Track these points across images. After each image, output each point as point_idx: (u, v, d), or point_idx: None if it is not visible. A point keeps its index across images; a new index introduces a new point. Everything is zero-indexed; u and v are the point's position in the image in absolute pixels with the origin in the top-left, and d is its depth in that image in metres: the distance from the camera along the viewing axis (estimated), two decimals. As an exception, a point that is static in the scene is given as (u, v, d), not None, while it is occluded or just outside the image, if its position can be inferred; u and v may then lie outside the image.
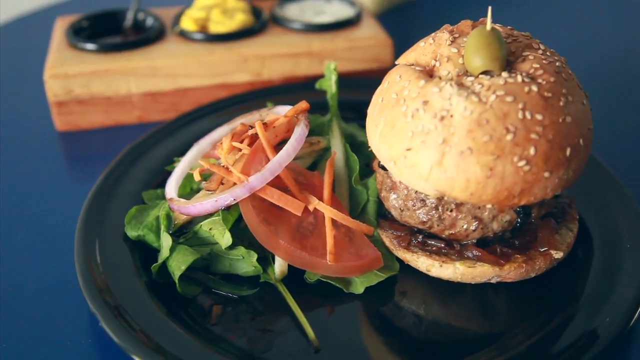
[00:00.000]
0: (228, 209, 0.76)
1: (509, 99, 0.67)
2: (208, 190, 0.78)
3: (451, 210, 0.73)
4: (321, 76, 1.10)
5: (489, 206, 0.70)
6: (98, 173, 0.99)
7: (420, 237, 0.76)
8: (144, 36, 1.10)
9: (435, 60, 0.74)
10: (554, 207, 0.79)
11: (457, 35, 0.75)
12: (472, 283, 0.76)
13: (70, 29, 1.12)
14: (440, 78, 0.71)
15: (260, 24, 1.13)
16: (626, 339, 0.71)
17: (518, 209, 0.72)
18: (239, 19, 1.13)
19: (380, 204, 0.82)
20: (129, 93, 1.07)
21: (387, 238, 0.79)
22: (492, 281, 0.76)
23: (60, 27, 1.15)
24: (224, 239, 0.74)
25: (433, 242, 0.76)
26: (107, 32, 1.16)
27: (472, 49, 0.70)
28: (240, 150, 0.79)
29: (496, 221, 0.73)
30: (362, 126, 0.95)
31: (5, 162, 1.02)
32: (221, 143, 0.81)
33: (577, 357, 0.66)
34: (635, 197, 0.83)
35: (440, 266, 0.75)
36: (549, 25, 1.41)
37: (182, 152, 0.93)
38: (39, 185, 0.98)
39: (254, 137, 0.80)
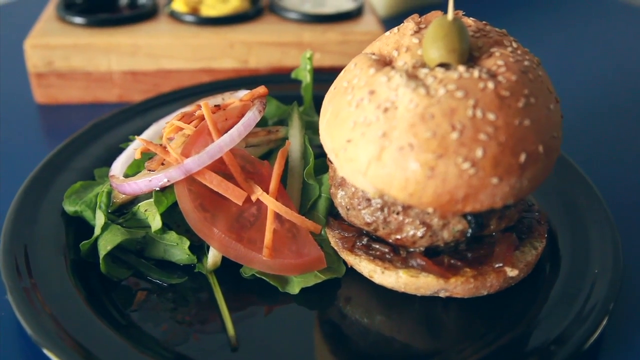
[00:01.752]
0: (163, 190, 0.72)
1: (459, 94, 0.61)
2: (149, 170, 0.74)
3: (397, 213, 0.67)
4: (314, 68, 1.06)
5: (430, 210, 0.64)
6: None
7: (366, 239, 0.71)
8: (133, 14, 1.07)
9: (396, 51, 0.68)
10: (520, 222, 0.72)
11: (422, 26, 0.69)
12: (419, 295, 0.70)
13: (62, 2, 1.10)
14: (393, 68, 0.65)
15: (255, 10, 1.09)
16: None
17: (469, 218, 0.66)
18: (232, 4, 1.09)
19: (332, 201, 0.76)
20: (109, 70, 1.04)
21: (334, 238, 0.73)
22: (440, 295, 0.69)
23: (54, 1, 1.13)
24: (155, 221, 0.70)
25: (377, 247, 0.70)
26: (101, 9, 1.13)
27: (430, 38, 0.64)
28: (180, 129, 0.75)
29: (447, 230, 0.67)
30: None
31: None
32: (168, 122, 0.77)
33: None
34: (616, 218, 0.76)
35: (382, 272, 0.69)
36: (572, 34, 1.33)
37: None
38: (15, 157, 0.95)
39: (203, 119, 0.75)
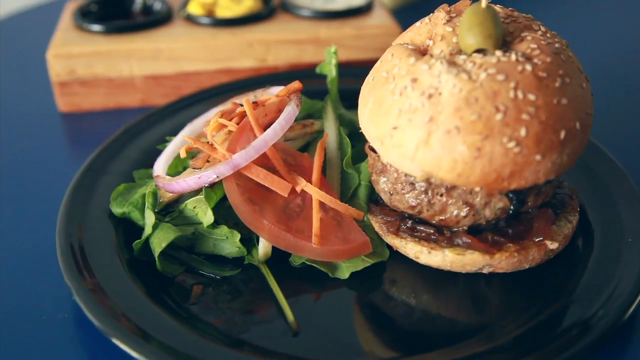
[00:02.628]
0: (212, 186, 0.74)
1: (500, 77, 0.64)
2: (194, 168, 0.76)
3: (441, 195, 0.70)
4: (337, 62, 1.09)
5: (477, 189, 0.67)
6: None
7: (410, 222, 0.74)
8: (150, 19, 1.09)
9: (430, 40, 0.71)
10: (554, 198, 0.76)
11: (454, 15, 0.72)
12: (464, 272, 0.73)
13: (78, 11, 1.12)
14: (431, 55, 0.68)
15: (268, 10, 1.12)
16: (621, 333, 0.68)
17: (511, 195, 0.69)
18: (246, 5, 1.11)
19: (371, 188, 0.79)
20: (131, 75, 1.06)
21: (377, 223, 0.76)
22: (483, 271, 0.72)
23: (69, 11, 1.15)
24: (206, 217, 0.73)
25: (422, 228, 0.73)
26: (116, 16, 1.15)
27: (466, 26, 0.67)
28: (223, 126, 0.77)
29: (489, 208, 0.70)
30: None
31: (8, 142, 1.02)
32: (207, 120, 0.79)
33: (566, 348, 0.62)
34: (640, 190, 0.80)
35: (429, 253, 0.72)
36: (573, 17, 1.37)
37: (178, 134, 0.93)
38: (41, 166, 0.97)
39: (243, 116, 0.78)
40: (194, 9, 1.11)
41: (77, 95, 1.06)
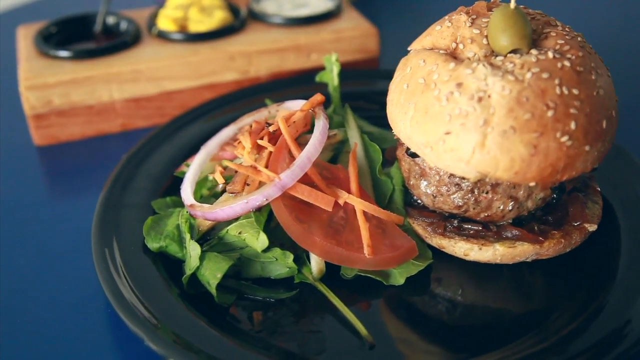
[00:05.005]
0: (259, 210, 0.73)
1: (544, 75, 0.67)
2: (231, 193, 0.74)
3: (487, 192, 0.72)
4: (309, 70, 1.09)
5: (532, 184, 0.70)
6: (83, 187, 0.94)
7: (456, 221, 0.75)
8: (121, 40, 1.04)
9: (456, 43, 0.73)
10: (578, 182, 0.80)
11: (474, 17, 0.74)
12: (509, 264, 0.76)
13: (39, 37, 1.05)
14: (469, 59, 0.70)
15: (240, 21, 1.10)
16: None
17: (554, 186, 0.72)
18: (218, 17, 1.09)
19: (406, 192, 0.80)
20: (112, 100, 1.01)
21: (420, 226, 0.77)
22: (528, 260, 0.75)
23: (24, 36, 1.08)
24: (259, 241, 0.71)
25: (470, 226, 0.75)
26: (76, 38, 1.10)
27: (499, 28, 0.69)
28: (262, 148, 0.76)
29: (530, 199, 0.73)
30: (364, 117, 0.94)
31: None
32: (237, 142, 0.77)
33: (621, 339, 0.66)
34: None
35: (480, 249, 0.74)
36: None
37: (183, 157, 0.90)
38: (20, 205, 0.91)
39: (274, 135, 0.77)
40: (165, 25, 1.07)
41: (54, 127, 1.00)
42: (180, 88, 1.04)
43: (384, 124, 0.93)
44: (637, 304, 0.69)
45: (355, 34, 1.10)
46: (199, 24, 1.07)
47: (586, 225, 0.75)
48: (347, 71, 1.07)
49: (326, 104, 0.94)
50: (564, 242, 0.74)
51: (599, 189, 0.81)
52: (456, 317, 0.72)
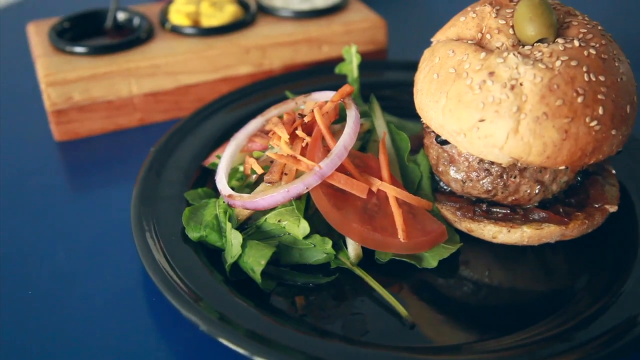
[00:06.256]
0: (298, 198, 0.75)
1: (573, 63, 0.70)
2: (269, 182, 0.77)
3: (515, 177, 0.76)
4: (321, 62, 1.11)
5: (562, 167, 0.74)
6: (104, 181, 0.96)
7: (484, 206, 0.79)
8: (136, 36, 1.05)
9: (482, 33, 0.76)
10: (594, 166, 0.84)
11: (498, 8, 0.77)
12: (534, 246, 0.79)
13: (53, 33, 1.06)
14: (498, 48, 0.73)
15: (250, 14, 1.12)
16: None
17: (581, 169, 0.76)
18: (229, 11, 1.10)
19: (432, 179, 0.83)
20: (130, 95, 1.02)
21: (448, 211, 0.80)
22: (551, 241, 0.79)
23: (36, 32, 1.08)
24: (300, 228, 0.74)
25: (498, 210, 0.78)
26: (87, 34, 1.10)
27: (526, 18, 0.73)
28: (293, 139, 0.78)
29: (555, 183, 0.77)
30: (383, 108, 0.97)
31: (4, 181, 0.95)
32: (272, 133, 0.80)
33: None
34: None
35: (508, 231, 0.77)
36: None
37: (208, 149, 0.92)
38: (42, 200, 0.92)
39: (307, 125, 0.79)
40: (178, 19, 1.08)
41: (74, 123, 1.01)
42: (196, 82, 1.05)
43: (398, 113, 0.97)
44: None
45: (365, 26, 1.12)
46: (212, 19, 1.09)
47: (607, 206, 0.79)
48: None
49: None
50: (587, 222, 0.78)
51: (615, 172, 0.85)
52: (483, 298, 0.76)
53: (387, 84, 1.06)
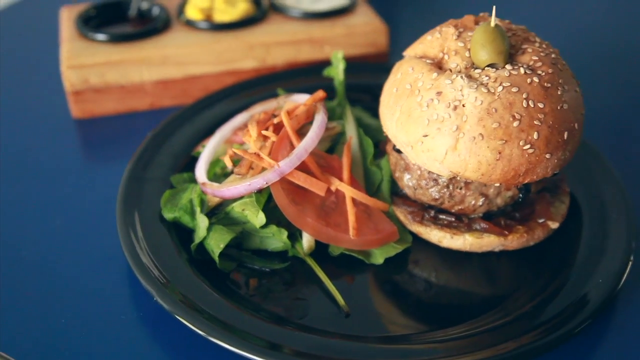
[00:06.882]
0: (260, 191, 0.83)
1: (514, 89, 0.76)
2: (238, 175, 0.85)
3: (460, 188, 0.82)
4: (322, 61, 1.18)
5: (496, 185, 0.80)
6: (114, 157, 1.06)
7: (433, 212, 0.85)
8: (153, 26, 1.15)
9: (443, 53, 0.82)
10: (548, 183, 0.89)
11: (461, 30, 0.83)
12: (478, 252, 0.85)
13: (79, 19, 1.16)
14: (450, 70, 0.79)
15: (261, 12, 1.20)
16: (615, 299, 0.81)
17: (520, 186, 0.82)
18: (241, 8, 1.18)
19: (393, 182, 0.90)
20: (142, 81, 1.12)
21: (402, 214, 0.87)
22: (495, 250, 0.85)
23: (67, 17, 1.19)
24: (258, 219, 0.82)
25: (444, 217, 0.85)
26: (112, 21, 1.21)
27: (479, 44, 0.78)
28: (265, 137, 0.86)
29: (500, 197, 0.83)
30: (368, 109, 1.04)
31: (25, 150, 1.07)
32: (246, 129, 0.88)
33: (572, 317, 0.75)
34: (618, 172, 0.94)
35: (452, 238, 0.84)
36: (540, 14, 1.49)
37: (201, 137, 1.01)
38: (60, 172, 1.03)
39: (278, 125, 0.87)
40: (193, 14, 1.17)
41: (90, 102, 1.12)
42: (203, 73, 1.14)
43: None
44: (587, 290, 0.78)
45: (366, 30, 1.19)
46: (224, 14, 1.17)
47: (549, 222, 0.84)
48: (357, 64, 1.16)
49: (332, 96, 1.05)
50: (526, 236, 0.83)
51: (569, 190, 0.90)
52: (428, 295, 0.83)
53: (380, 86, 1.13)
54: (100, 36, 1.13)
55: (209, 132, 1.02)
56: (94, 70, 1.09)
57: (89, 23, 1.18)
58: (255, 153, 0.84)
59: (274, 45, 1.15)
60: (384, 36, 1.20)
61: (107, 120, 1.14)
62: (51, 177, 1.02)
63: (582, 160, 0.95)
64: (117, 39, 1.13)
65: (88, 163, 1.09)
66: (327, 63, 1.17)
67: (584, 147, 0.96)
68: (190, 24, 1.17)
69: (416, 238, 0.88)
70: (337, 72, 1.02)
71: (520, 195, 0.82)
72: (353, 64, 1.16)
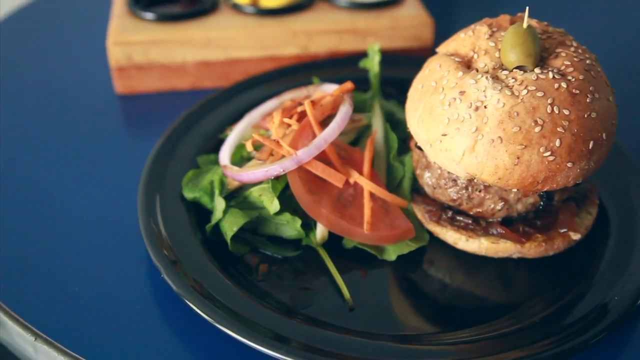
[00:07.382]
0: (277, 178, 0.84)
1: (539, 94, 0.73)
2: (258, 160, 0.86)
3: (480, 191, 0.80)
4: (364, 52, 1.17)
5: (514, 190, 0.77)
6: (154, 133, 1.08)
7: (450, 212, 0.84)
8: (200, 8, 1.17)
9: (474, 52, 0.80)
10: (576, 192, 0.86)
11: (495, 29, 0.81)
12: (495, 257, 0.83)
13: (131, -3, 1.19)
14: (477, 70, 0.77)
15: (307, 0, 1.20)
16: (634, 317, 0.78)
17: (541, 193, 0.79)
18: (287, -6, 1.19)
19: (414, 179, 0.89)
20: (184, 61, 1.14)
21: (420, 212, 0.86)
22: (513, 256, 0.83)
23: (118, -6, 1.22)
24: (273, 205, 0.83)
25: (461, 218, 0.83)
26: (164, 0, 1.23)
27: (509, 44, 0.76)
28: (289, 125, 0.86)
29: (520, 203, 0.80)
30: (402, 103, 1.02)
31: (69, 123, 1.11)
32: (271, 116, 0.88)
33: (586, 329, 0.73)
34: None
35: (467, 240, 0.82)
36: (583, 18, 1.44)
37: (233, 121, 1.02)
38: (101, 144, 1.06)
39: (303, 114, 0.87)
40: (240, -2, 1.19)
41: (133, 79, 1.15)
42: (245, 57, 1.15)
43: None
44: (601, 304, 0.76)
45: (412, 23, 1.17)
46: (269, 0, 1.18)
47: (570, 233, 0.81)
48: (399, 57, 1.15)
49: (366, 88, 1.04)
50: (545, 245, 0.81)
51: (597, 201, 0.86)
52: (439, 296, 0.82)
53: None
54: (148, 15, 1.15)
55: (242, 116, 1.03)
56: (139, 47, 1.12)
57: (141, 1, 1.20)
58: (275, 140, 0.84)
59: (316, 33, 1.15)
60: (429, 30, 1.18)
61: (149, 97, 1.16)
62: (92, 149, 1.05)
63: (617, 171, 0.92)
64: (164, 18, 1.15)
65: (128, 138, 1.12)
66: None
67: (620, 157, 0.93)
68: (236, 8, 1.18)
69: (434, 238, 0.86)
70: (373, 64, 1.02)
71: (542, 202, 0.80)
72: (395, 57, 1.15)
